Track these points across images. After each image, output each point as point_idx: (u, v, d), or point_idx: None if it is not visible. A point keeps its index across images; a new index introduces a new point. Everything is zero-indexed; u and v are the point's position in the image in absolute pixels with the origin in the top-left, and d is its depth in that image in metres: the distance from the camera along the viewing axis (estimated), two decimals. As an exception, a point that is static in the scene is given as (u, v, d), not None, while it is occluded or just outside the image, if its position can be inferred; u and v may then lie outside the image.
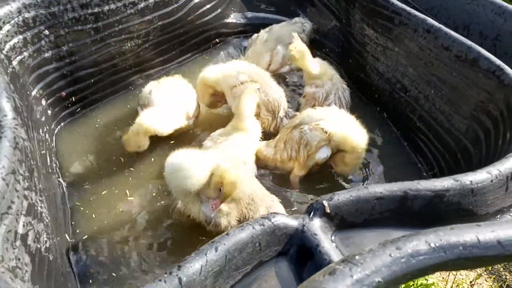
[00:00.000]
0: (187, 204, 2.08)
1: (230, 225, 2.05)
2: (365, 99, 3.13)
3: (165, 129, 2.53)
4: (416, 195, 1.46)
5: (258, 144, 2.55)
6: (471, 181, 1.50)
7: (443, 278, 2.51)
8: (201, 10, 3.33)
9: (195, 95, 2.79)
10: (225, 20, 3.58)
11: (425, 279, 2.39)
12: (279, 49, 3.15)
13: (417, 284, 2.36)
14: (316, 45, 3.55)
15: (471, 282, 2.55)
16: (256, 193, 2.09)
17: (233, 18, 3.64)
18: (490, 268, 2.61)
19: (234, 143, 2.39)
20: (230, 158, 2.19)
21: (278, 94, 2.70)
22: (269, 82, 2.72)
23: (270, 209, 2.11)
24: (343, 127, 2.32)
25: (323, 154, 2.37)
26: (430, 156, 2.59)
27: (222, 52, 3.55)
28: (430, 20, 2.46)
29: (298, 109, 2.90)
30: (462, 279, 2.55)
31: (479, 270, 2.59)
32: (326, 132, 2.32)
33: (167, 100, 2.61)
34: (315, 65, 2.83)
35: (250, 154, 2.46)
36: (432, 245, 1.10)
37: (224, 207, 2.00)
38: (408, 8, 2.59)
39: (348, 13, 3.15)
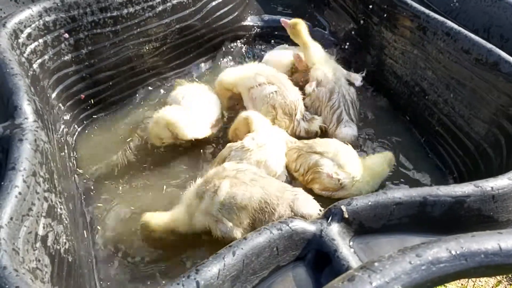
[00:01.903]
0: (210, 227, 2.07)
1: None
2: (383, 101, 3.11)
3: (187, 131, 2.52)
4: (435, 201, 1.44)
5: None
6: (492, 187, 1.48)
7: (461, 284, 2.48)
8: (218, 13, 3.34)
9: (219, 104, 2.81)
10: (242, 23, 3.58)
11: (444, 286, 2.36)
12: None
13: (435, 290, 2.32)
14: (333, 48, 3.54)
15: (490, 288, 2.51)
16: (269, 194, 2.00)
17: (250, 21, 3.64)
18: (511, 274, 2.57)
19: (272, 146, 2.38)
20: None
21: (295, 97, 2.69)
22: (286, 85, 2.71)
23: (294, 204, 2.01)
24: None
25: (322, 191, 2.35)
26: (449, 160, 2.56)
27: (238, 53, 3.56)
28: (450, 23, 2.43)
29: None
30: (482, 285, 2.51)
31: (499, 277, 2.55)
32: (341, 184, 2.28)
33: (197, 107, 2.64)
34: (314, 45, 2.89)
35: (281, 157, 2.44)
36: (453, 252, 1.09)
37: (227, 222, 2.00)
38: (427, 11, 2.57)
39: (366, 16, 3.14)
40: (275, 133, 2.49)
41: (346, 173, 2.27)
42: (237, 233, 1.99)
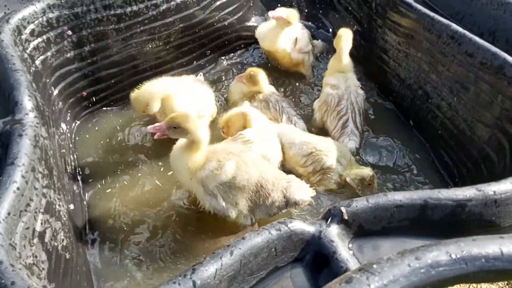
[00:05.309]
0: (197, 196, 2.17)
1: (242, 215, 2.12)
2: (386, 104, 3.09)
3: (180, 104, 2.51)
4: (436, 204, 1.43)
5: None
6: (494, 191, 1.46)
7: (462, 289, 2.46)
8: (222, 13, 3.33)
9: (212, 97, 2.81)
10: (246, 23, 3.57)
11: (444, 291, 2.33)
12: (305, 31, 3.28)
13: (435, 295, 2.30)
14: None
15: (491, 295, 2.49)
16: (265, 179, 2.12)
17: (254, 21, 3.63)
18: (512, 281, 2.55)
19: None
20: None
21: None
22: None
23: (287, 191, 2.15)
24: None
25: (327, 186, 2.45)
26: (451, 164, 2.54)
27: (241, 55, 3.55)
28: (454, 26, 2.41)
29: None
30: (482, 291, 2.48)
31: (500, 283, 2.53)
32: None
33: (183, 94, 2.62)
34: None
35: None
36: (453, 256, 1.07)
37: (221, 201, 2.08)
38: (431, 14, 2.55)
39: (370, 18, 3.12)
40: (271, 129, 2.54)
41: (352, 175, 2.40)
42: (232, 212, 2.10)
